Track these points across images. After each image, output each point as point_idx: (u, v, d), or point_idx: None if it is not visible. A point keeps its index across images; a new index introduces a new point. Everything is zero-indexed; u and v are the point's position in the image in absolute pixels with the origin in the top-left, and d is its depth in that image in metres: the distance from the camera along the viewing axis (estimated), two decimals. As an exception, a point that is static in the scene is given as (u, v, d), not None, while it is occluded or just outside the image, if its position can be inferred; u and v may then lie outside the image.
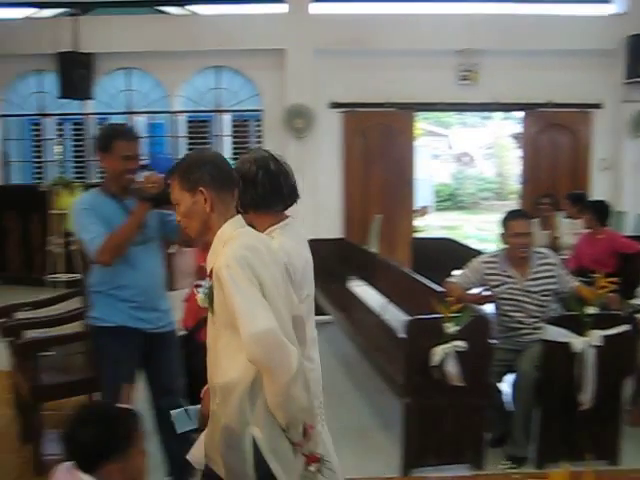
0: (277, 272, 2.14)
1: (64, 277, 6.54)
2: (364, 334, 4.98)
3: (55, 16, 9.93)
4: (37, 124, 9.98)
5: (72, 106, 9.55)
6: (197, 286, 2.18)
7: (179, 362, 3.48)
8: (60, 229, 6.47)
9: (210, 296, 2.11)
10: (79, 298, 4.67)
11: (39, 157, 10.00)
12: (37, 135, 10.02)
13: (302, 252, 2.57)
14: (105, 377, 3.30)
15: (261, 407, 2.06)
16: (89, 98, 9.28)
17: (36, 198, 7.26)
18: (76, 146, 9.99)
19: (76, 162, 9.91)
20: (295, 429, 2.08)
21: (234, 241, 2.10)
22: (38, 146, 10.02)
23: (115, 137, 3.24)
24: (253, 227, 2.32)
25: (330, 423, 4.47)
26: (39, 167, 9.99)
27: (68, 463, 2.01)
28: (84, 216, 3.19)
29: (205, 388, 2.38)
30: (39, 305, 4.62)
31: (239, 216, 2.22)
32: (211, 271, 2.10)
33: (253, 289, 2.00)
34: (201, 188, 2.13)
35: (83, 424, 2.02)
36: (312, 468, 2.19)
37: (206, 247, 2.24)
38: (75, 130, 10.04)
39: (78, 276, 6.47)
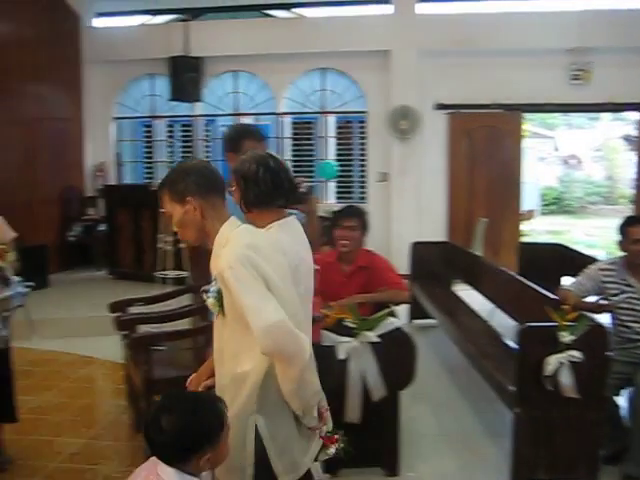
0: (282, 263, 2.21)
1: (172, 274, 6.73)
2: (470, 339, 4.86)
3: (167, 22, 10.29)
4: (149, 126, 10.37)
5: (181, 108, 9.87)
6: (204, 291, 2.21)
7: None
8: (169, 228, 6.66)
9: (219, 299, 2.15)
10: (189, 295, 4.79)
11: (150, 157, 10.38)
12: (148, 136, 10.41)
13: (297, 249, 2.51)
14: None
15: (270, 398, 2.14)
16: (198, 100, 9.55)
17: (147, 197, 7.51)
18: (184, 147, 10.30)
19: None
20: (311, 414, 2.20)
21: (233, 242, 2.15)
22: (149, 147, 10.41)
23: (244, 137, 3.26)
24: (255, 225, 2.37)
25: (432, 429, 4.44)
26: (150, 167, 10.37)
27: (153, 457, 1.92)
28: None
29: (190, 378, 2.54)
30: (152, 301, 4.76)
31: (233, 217, 2.27)
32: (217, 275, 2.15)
33: (258, 285, 2.06)
34: (188, 198, 2.19)
35: (169, 412, 1.86)
36: (331, 450, 2.30)
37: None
38: (184, 131, 10.35)
39: (185, 274, 6.65)
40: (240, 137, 3.27)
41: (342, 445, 2.35)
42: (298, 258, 2.47)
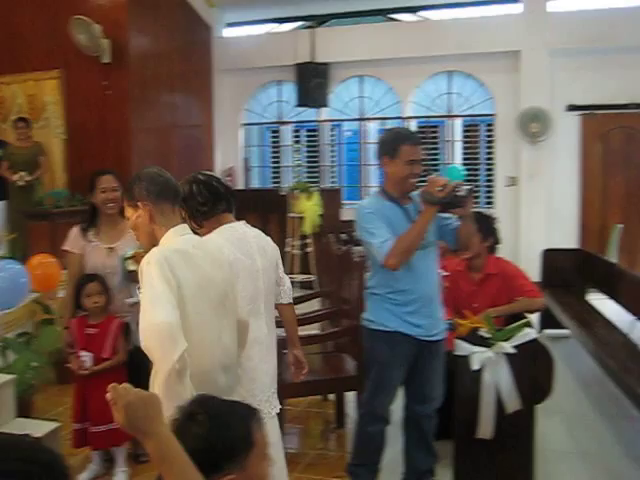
0: (214, 276, 2.34)
1: (299, 278, 6.83)
2: (609, 353, 4.63)
3: (293, 30, 10.47)
4: (275, 131, 10.59)
5: (307, 114, 10.01)
6: None
7: (443, 372, 3.43)
8: (297, 232, 6.76)
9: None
10: (318, 300, 4.84)
11: (277, 162, 10.61)
12: (275, 142, 10.64)
13: (232, 250, 2.68)
14: (373, 380, 3.34)
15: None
16: (324, 106, 9.66)
17: (276, 201, 7.66)
18: (310, 152, 10.45)
19: (310, 167, 10.35)
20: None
21: (166, 244, 2.31)
22: (276, 152, 10.63)
23: (401, 142, 3.20)
24: None
25: (567, 446, 4.24)
26: (276, 172, 10.60)
27: None
28: (371, 220, 3.20)
29: None
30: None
31: (184, 225, 2.43)
32: None
33: (164, 287, 2.16)
34: (139, 203, 2.35)
35: (190, 419, 1.58)
36: None
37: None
38: (309, 137, 10.50)
39: (312, 277, 6.72)
40: (396, 141, 3.22)
41: None
42: (231, 257, 2.60)
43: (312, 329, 4.76)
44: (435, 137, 9.86)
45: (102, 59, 8.15)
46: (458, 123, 9.67)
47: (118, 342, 3.78)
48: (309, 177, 10.14)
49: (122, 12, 8.34)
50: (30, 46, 8.58)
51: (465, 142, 9.75)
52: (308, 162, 10.43)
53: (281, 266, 3.08)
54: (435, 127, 9.88)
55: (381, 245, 3.12)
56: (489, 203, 9.36)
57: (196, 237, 2.46)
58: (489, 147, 9.42)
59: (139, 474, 3.88)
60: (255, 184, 10.61)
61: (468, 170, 9.24)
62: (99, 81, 8.29)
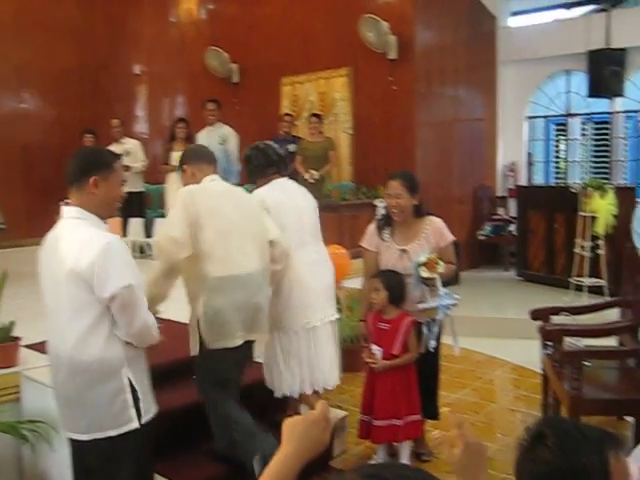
0: (223, 206, 3.35)
1: (588, 282, 6.35)
2: None
3: (585, 14, 9.78)
4: (561, 124, 10.02)
5: (599, 104, 9.31)
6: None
7: None
8: (587, 232, 6.29)
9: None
10: (618, 310, 4.43)
11: (561, 157, 10.03)
12: (561, 135, 10.06)
13: (278, 196, 3.74)
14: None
15: None
16: (619, 95, 8.90)
17: (564, 199, 7.21)
18: (598, 146, 9.71)
19: (598, 163, 9.63)
20: (152, 309, 2.78)
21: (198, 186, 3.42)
22: (559, 146, 10.06)
23: None
24: None
25: None
26: (560, 167, 10.03)
27: None
28: None
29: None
30: (576, 312, 4.53)
31: (214, 175, 3.51)
32: None
33: (180, 212, 3.24)
34: (184, 166, 3.57)
35: (539, 441, 1.43)
36: None
37: None
38: (598, 130, 9.76)
39: (602, 282, 6.22)
40: None
41: None
42: (276, 201, 3.70)
43: (609, 341, 4.39)
44: None
45: (388, 55, 8.33)
46: None
47: (409, 340, 3.77)
48: (596, 173, 9.44)
49: (408, 8, 8.42)
50: (321, 47, 9.05)
51: None
52: (596, 157, 9.71)
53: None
54: None
55: None
56: None
57: (220, 182, 3.53)
58: None
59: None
60: (538, 180, 10.14)
61: None
62: (385, 77, 8.47)
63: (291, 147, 8.25)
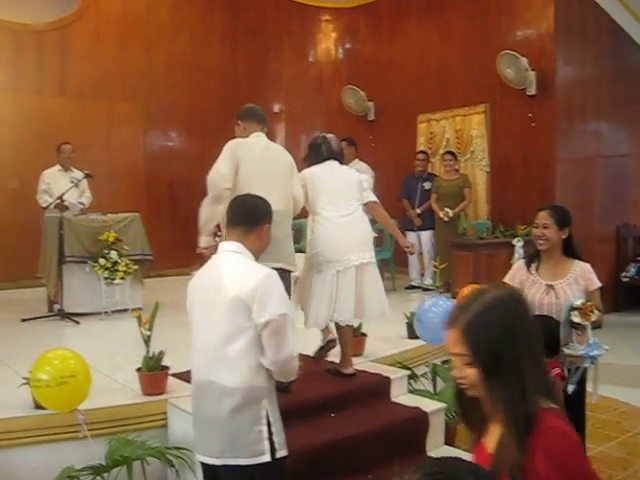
0: (259, 157, 4.22)
1: None
2: None
3: None
4: None
5: None
6: None
7: None
8: None
9: None
10: None
11: None
12: None
13: (319, 170, 4.57)
14: None
15: None
16: None
17: None
18: None
19: None
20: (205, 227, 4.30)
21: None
22: None
23: None
24: None
25: None
26: None
27: None
28: None
29: None
30: None
31: (259, 133, 4.38)
32: None
33: (227, 156, 4.16)
34: (239, 121, 4.45)
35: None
36: None
37: None
38: None
39: None
40: None
41: None
42: (317, 176, 4.53)
43: None
44: None
45: (528, 91, 8.18)
46: None
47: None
48: None
49: (548, 43, 8.26)
50: (458, 83, 9.04)
51: None
52: None
53: (365, 184, 4.72)
54: None
55: None
56: None
57: (265, 140, 4.40)
58: None
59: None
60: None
61: None
62: (524, 113, 8.33)
63: (426, 185, 8.26)
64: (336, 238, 4.40)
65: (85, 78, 9.54)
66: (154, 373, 4.00)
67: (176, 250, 9.23)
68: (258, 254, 2.88)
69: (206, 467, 2.78)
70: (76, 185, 6.94)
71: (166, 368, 4.06)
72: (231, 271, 2.71)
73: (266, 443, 2.63)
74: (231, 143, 4.24)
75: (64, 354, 3.54)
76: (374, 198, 4.74)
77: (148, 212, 8.71)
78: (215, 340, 2.67)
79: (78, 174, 7.17)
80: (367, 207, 4.70)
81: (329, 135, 4.80)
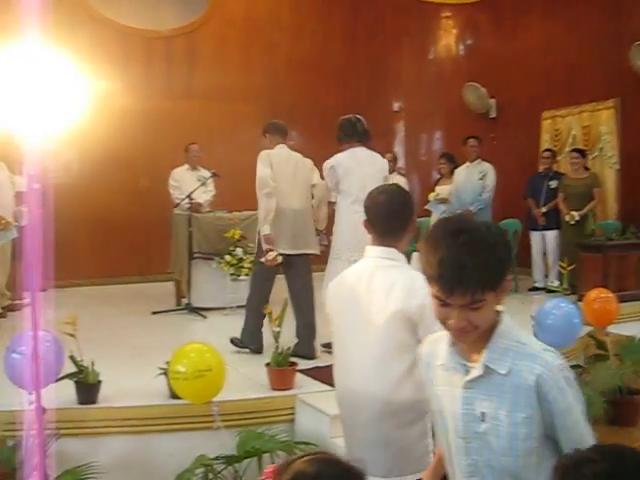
0: (283, 163, 5.33)
1: None
2: None
3: None
4: None
5: None
6: None
7: None
8: None
9: None
10: None
11: None
12: None
13: (347, 162, 5.05)
14: None
15: None
16: None
17: None
18: None
19: None
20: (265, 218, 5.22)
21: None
22: None
23: None
24: None
25: None
26: None
27: None
28: None
29: None
30: None
31: (283, 144, 5.44)
32: None
33: (264, 164, 5.21)
34: (266, 134, 5.55)
35: None
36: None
37: None
38: None
39: None
40: None
41: None
42: (345, 166, 5.05)
43: None
44: None
45: (663, 85, 7.77)
46: None
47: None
48: None
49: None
50: (586, 78, 8.69)
51: None
52: None
53: (387, 173, 5.32)
54: None
55: None
56: None
57: (287, 150, 5.44)
58: None
59: None
60: None
61: None
62: (658, 108, 7.91)
63: (552, 183, 8.00)
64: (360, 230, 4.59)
65: (211, 80, 9.89)
66: (283, 368, 4.10)
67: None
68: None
69: None
70: (203, 184, 7.20)
71: (294, 364, 4.15)
72: (390, 282, 2.51)
73: (432, 456, 2.48)
74: (262, 154, 5.31)
75: (201, 348, 3.68)
76: None
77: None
78: (374, 357, 2.52)
79: (205, 173, 7.43)
80: None
81: (359, 116, 5.37)
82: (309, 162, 5.50)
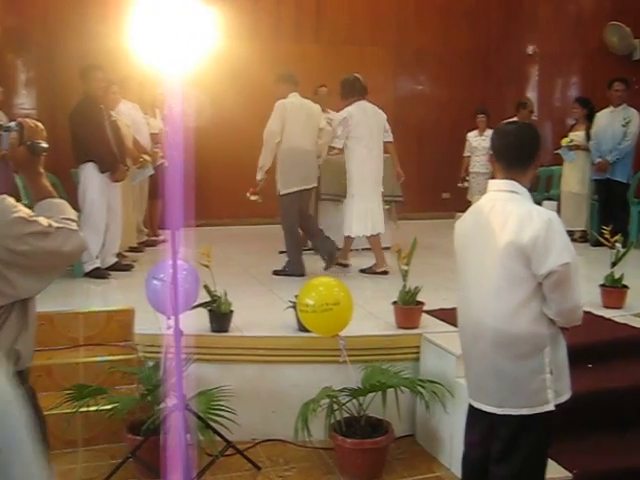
0: (297, 111, 6.05)
1: None
2: None
3: None
4: None
5: None
6: None
7: None
8: None
9: None
10: None
11: None
12: None
13: (356, 113, 6.03)
14: None
15: None
16: None
17: None
18: None
19: None
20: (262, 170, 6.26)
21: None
22: None
23: None
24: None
25: None
26: None
27: None
28: None
29: None
30: None
31: (295, 93, 6.13)
32: None
33: (277, 115, 5.95)
34: (280, 84, 6.24)
35: None
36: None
37: None
38: None
39: None
40: None
41: None
42: (356, 117, 6.01)
43: None
44: None
45: None
46: None
47: None
48: None
49: None
50: None
51: None
52: None
53: (387, 126, 6.30)
54: None
55: None
56: None
57: (299, 98, 6.13)
58: None
59: None
60: None
61: None
62: None
63: None
64: (366, 169, 6.11)
65: (338, 25, 9.83)
66: (410, 307, 4.11)
67: (423, 193, 9.34)
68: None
69: (482, 414, 2.68)
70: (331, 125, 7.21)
71: (421, 304, 4.15)
72: (506, 214, 2.53)
73: (549, 392, 2.53)
74: (278, 104, 5.98)
75: (329, 282, 3.76)
76: (391, 139, 6.43)
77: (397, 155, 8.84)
78: (490, 289, 2.56)
79: (333, 115, 7.43)
80: (386, 145, 6.36)
81: (357, 75, 6.21)
82: (317, 108, 6.31)
